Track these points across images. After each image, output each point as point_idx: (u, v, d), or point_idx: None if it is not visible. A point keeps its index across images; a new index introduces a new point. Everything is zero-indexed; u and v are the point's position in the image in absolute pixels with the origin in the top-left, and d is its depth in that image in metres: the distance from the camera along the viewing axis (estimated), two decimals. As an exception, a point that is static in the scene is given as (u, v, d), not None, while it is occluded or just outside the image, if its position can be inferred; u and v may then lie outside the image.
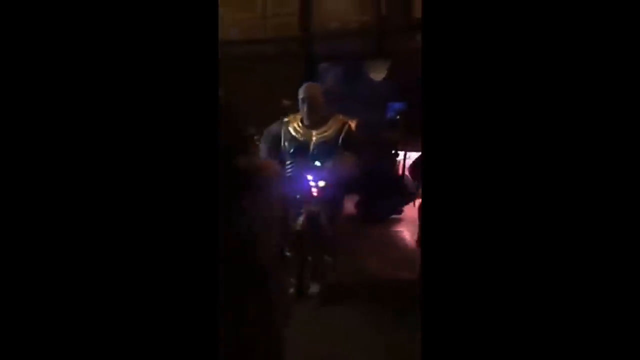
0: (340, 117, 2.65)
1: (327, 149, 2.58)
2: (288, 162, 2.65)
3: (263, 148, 2.69)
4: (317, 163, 2.60)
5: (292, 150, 2.63)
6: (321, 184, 2.63)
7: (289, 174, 2.64)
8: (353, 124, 2.62)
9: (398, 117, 4.11)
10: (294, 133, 2.64)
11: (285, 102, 3.34)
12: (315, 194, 2.64)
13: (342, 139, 2.57)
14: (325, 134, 2.61)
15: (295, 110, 2.74)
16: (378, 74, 3.75)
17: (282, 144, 2.67)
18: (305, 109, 2.57)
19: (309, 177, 2.62)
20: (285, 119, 2.70)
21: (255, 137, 3.20)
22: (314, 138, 2.61)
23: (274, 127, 2.73)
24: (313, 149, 2.59)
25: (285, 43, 3.97)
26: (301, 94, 2.59)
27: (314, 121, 2.59)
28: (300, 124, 2.65)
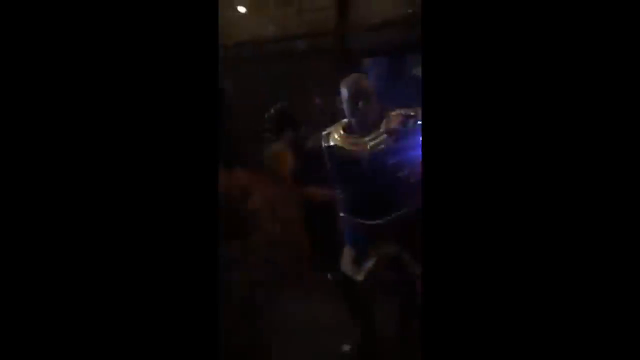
0: (397, 112, 1.82)
1: (383, 156, 1.79)
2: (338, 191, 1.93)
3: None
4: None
5: (338, 169, 1.89)
6: None
7: (345, 209, 1.91)
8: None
9: None
10: (339, 144, 1.87)
11: (318, 101, 3.11)
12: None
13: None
14: (380, 138, 1.80)
15: (330, 108, 2.26)
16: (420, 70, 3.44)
17: (326, 162, 1.95)
18: (351, 108, 1.84)
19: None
20: (324, 132, 1.96)
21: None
22: (368, 147, 1.81)
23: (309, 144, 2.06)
24: (366, 163, 1.80)
25: (320, 38, 3.74)
26: (347, 88, 1.84)
27: (365, 124, 1.83)
28: (343, 132, 1.89)
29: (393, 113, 1.84)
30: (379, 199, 1.82)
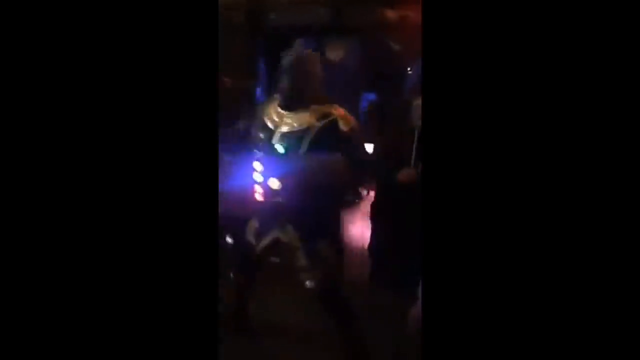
0: (333, 106, 1.80)
1: (291, 145, 1.77)
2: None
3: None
4: (280, 148, 1.78)
5: (258, 140, 1.86)
6: (273, 184, 1.78)
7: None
8: (346, 122, 1.77)
9: (368, 110, 3.36)
10: (266, 119, 1.86)
11: (226, 80, 2.92)
12: (259, 197, 1.82)
13: (316, 134, 1.74)
14: (290, 121, 1.80)
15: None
16: (335, 54, 3.33)
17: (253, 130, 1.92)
18: (285, 82, 1.81)
19: (256, 166, 1.81)
20: (266, 100, 1.97)
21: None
22: (281, 126, 1.81)
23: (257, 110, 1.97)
24: (277, 141, 1.80)
25: (230, 13, 3.51)
26: (284, 61, 1.83)
27: (294, 103, 1.81)
28: (277, 105, 1.87)
29: (323, 107, 1.80)
30: (281, 181, 1.82)
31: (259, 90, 3.75)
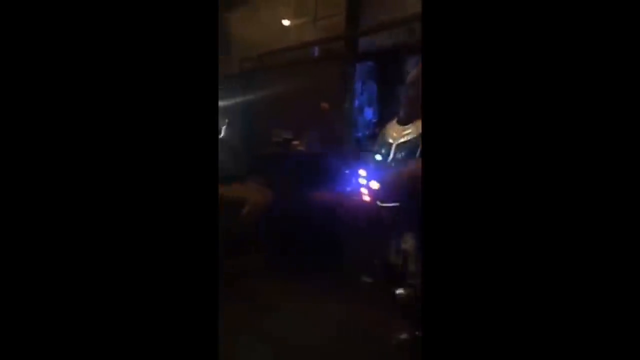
0: None
1: (406, 154, 1.87)
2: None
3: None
4: (378, 157, 1.93)
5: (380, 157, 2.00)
6: (373, 185, 1.89)
7: None
8: None
9: None
10: (388, 137, 1.98)
11: (324, 105, 3.14)
12: (366, 198, 1.91)
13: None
14: (408, 131, 1.89)
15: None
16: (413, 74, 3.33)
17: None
18: (405, 97, 1.93)
19: (361, 172, 1.95)
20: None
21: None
22: (399, 139, 1.92)
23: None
24: (395, 153, 1.92)
25: (330, 43, 3.77)
26: (407, 79, 1.95)
27: (411, 115, 1.90)
28: (395, 122, 1.99)
29: None
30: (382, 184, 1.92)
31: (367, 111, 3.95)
